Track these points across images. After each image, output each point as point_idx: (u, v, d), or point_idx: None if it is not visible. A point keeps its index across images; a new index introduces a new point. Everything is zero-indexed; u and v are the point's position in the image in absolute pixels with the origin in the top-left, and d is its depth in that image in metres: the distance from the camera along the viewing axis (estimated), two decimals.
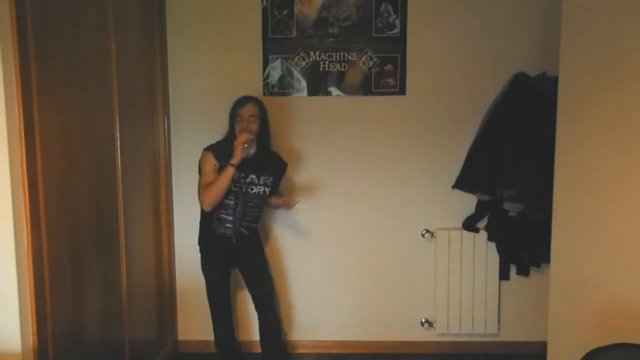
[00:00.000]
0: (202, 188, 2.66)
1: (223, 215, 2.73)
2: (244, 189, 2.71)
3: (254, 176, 2.74)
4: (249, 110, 2.71)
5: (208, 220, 2.77)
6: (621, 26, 1.96)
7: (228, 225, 2.73)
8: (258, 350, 3.06)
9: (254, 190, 2.75)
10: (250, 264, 2.91)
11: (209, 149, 2.74)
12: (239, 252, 2.83)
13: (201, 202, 2.68)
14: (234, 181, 2.64)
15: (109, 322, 2.46)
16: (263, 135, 2.77)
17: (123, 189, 2.53)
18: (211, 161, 2.67)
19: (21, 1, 1.76)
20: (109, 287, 2.45)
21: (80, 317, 2.17)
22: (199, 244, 2.88)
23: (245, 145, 2.58)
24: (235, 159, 2.57)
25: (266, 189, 2.78)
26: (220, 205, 2.69)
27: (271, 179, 2.80)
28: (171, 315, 3.27)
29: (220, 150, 2.70)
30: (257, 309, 2.94)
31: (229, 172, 2.58)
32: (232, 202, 2.71)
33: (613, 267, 2.00)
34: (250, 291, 2.96)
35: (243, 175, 2.70)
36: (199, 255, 3.25)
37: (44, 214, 1.89)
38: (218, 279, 2.88)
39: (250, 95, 2.82)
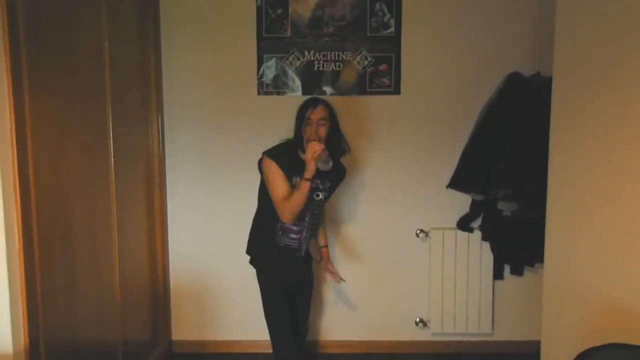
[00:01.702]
0: (278, 202, 2.45)
1: (287, 225, 2.52)
2: (309, 196, 2.47)
3: (318, 181, 2.53)
4: (319, 113, 2.47)
5: (268, 231, 2.56)
6: (615, 26, 1.96)
7: (293, 236, 2.55)
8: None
9: (319, 197, 2.56)
10: (304, 282, 2.77)
11: (270, 155, 2.49)
12: (304, 268, 2.70)
13: (280, 216, 2.47)
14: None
15: (102, 322, 2.45)
16: (334, 140, 2.52)
17: (116, 188, 2.51)
18: (277, 170, 2.45)
19: None
20: (101, 287, 2.44)
21: (72, 317, 2.16)
22: (255, 259, 2.67)
23: (321, 161, 2.38)
24: (309, 173, 2.38)
25: (325, 194, 2.61)
26: None
27: (329, 184, 2.62)
28: (165, 315, 3.25)
29: (282, 157, 2.49)
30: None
31: (305, 187, 2.38)
32: None
33: (606, 267, 2.01)
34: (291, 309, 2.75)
35: None
36: (193, 254, 3.26)
37: (35, 213, 1.87)
38: (282, 296, 2.63)
39: (319, 97, 2.68)
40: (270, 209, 2.52)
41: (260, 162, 2.55)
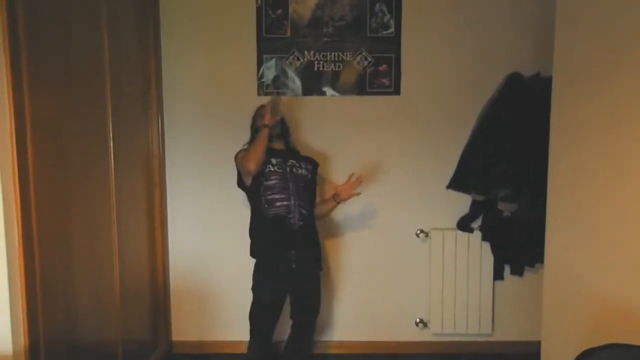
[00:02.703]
0: (243, 157, 2.74)
1: (271, 197, 2.73)
2: (287, 170, 2.78)
3: (293, 161, 2.83)
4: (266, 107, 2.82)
5: (256, 208, 2.78)
6: (615, 26, 1.96)
7: (279, 204, 2.72)
8: None
9: (299, 172, 2.82)
10: (309, 279, 2.84)
11: (242, 149, 2.86)
12: (301, 240, 2.75)
13: (246, 166, 2.70)
14: (273, 164, 2.75)
15: (102, 323, 2.44)
16: (285, 131, 2.92)
17: (116, 188, 2.51)
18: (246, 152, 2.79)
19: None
20: (101, 287, 2.44)
21: (72, 317, 2.16)
22: (252, 246, 2.82)
23: (274, 104, 2.74)
24: (266, 119, 2.71)
25: (309, 174, 2.86)
26: (265, 189, 2.73)
27: (310, 167, 2.89)
28: (165, 316, 3.25)
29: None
30: (293, 331, 2.91)
31: (264, 132, 2.70)
32: (277, 182, 2.74)
33: (606, 267, 2.01)
34: (294, 314, 2.88)
35: (281, 160, 2.79)
36: (193, 255, 3.26)
37: (35, 213, 1.87)
38: (273, 298, 2.78)
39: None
40: (252, 197, 2.80)
41: (235, 159, 2.85)
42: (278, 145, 2.86)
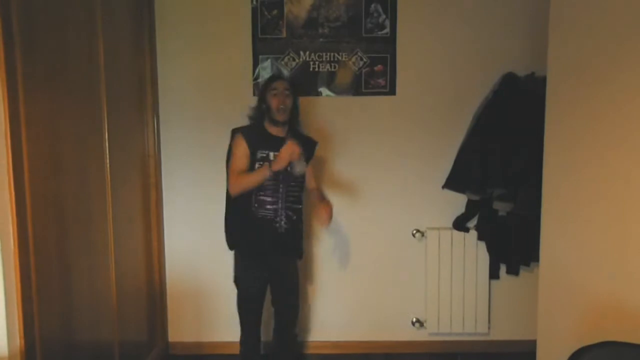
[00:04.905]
0: (231, 173, 2.62)
1: (262, 197, 2.64)
2: (283, 169, 2.60)
3: None
4: (283, 84, 2.68)
5: (244, 206, 2.65)
6: (608, 26, 1.97)
7: (269, 207, 2.65)
8: None
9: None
10: (287, 265, 2.82)
11: (240, 132, 2.67)
12: (286, 243, 2.73)
13: (228, 187, 2.62)
14: (269, 160, 2.60)
15: (98, 324, 2.44)
16: (296, 114, 2.75)
17: (112, 189, 2.51)
18: (243, 146, 2.62)
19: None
20: (97, 288, 2.43)
21: (68, 318, 2.15)
22: (231, 240, 2.78)
23: (297, 165, 2.50)
24: (276, 166, 2.49)
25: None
26: (259, 188, 2.62)
27: (304, 156, 2.67)
28: (161, 317, 3.25)
29: (250, 133, 2.66)
30: (276, 321, 2.91)
31: (265, 173, 2.52)
32: (270, 183, 2.61)
33: (601, 266, 2.02)
34: (275, 302, 2.87)
35: (277, 154, 2.57)
36: (189, 256, 3.25)
37: (30, 214, 1.86)
38: (257, 284, 2.75)
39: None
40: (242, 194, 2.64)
41: (231, 139, 2.71)
42: (278, 132, 2.69)
